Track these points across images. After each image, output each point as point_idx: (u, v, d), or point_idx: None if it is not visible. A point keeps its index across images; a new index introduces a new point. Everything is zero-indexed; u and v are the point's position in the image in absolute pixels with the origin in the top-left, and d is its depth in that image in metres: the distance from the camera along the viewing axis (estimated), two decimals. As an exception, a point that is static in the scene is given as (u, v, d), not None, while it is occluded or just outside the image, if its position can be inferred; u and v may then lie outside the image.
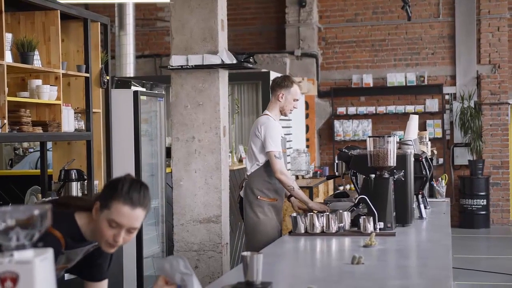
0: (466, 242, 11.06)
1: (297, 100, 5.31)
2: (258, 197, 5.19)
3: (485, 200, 12.25)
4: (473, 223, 12.22)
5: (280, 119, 9.01)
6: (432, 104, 12.65)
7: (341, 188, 11.41)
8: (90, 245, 2.80)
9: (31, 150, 8.31)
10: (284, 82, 5.28)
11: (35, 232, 1.77)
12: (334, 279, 3.07)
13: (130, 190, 2.58)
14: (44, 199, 5.24)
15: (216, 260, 5.72)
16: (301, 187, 8.93)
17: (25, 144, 8.54)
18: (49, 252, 1.77)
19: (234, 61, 5.71)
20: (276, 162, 5.08)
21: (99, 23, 5.86)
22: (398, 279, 3.12)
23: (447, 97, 12.74)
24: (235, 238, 7.55)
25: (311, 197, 8.74)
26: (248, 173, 5.28)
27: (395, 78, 12.77)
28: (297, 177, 10.13)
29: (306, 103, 12.39)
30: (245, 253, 2.72)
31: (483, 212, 12.27)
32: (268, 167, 5.15)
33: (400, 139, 5.36)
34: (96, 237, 2.69)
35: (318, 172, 10.89)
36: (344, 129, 12.93)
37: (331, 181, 11.24)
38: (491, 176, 12.53)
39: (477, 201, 12.22)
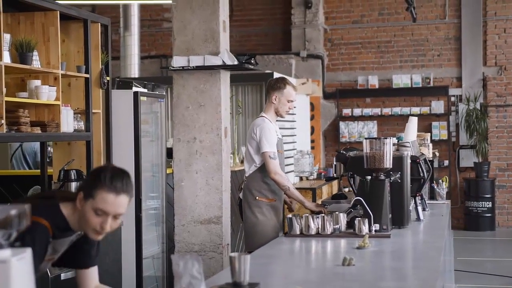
0: (470, 245, 11.03)
1: (292, 101, 5.35)
2: (257, 197, 5.25)
3: (490, 202, 12.21)
4: (478, 226, 12.18)
5: (284, 121, 9.05)
6: (438, 106, 12.61)
7: (346, 189, 11.39)
8: (75, 235, 2.85)
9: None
10: (277, 84, 5.34)
11: (13, 232, 1.78)
12: (323, 281, 3.08)
13: (113, 179, 2.67)
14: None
15: (217, 261, 5.73)
16: (305, 189, 8.99)
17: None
18: (27, 252, 1.79)
19: (235, 62, 5.71)
20: (270, 162, 5.13)
21: (99, 23, 5.88)
22: (387, 281, 3.12)
23: (452, 99, 12.71)
24: (236, 239, 7.56)
25: (313, 199, 8.74)
26: (246, 175, 5.34)
27: (401, 80, 12.75)
28: (301, 179, 10.13)
29: (312, 105, 12.39)
30: (232, 254, 2.74)
31: (489, 215, 12.23)
32: (265, 168, 5.19)
33: (398, 141, 5.35)
34: (82, 226, 2.75)
35: (323, 173, 10.88)
36: (350, 131, 12.92)
37: (335, 183, 11.22)
38: (497, 178, 12.49)
39: (482, 204, 12.18)
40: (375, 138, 4.46)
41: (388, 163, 4.39)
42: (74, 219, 2.77)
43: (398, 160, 4.54)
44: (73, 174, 5.44)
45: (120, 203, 2.67)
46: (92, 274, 3.01)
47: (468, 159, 12.55)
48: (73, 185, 5.42)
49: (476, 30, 12.57)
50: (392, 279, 3.16)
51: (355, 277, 3.11)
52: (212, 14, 5.74)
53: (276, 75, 10.11)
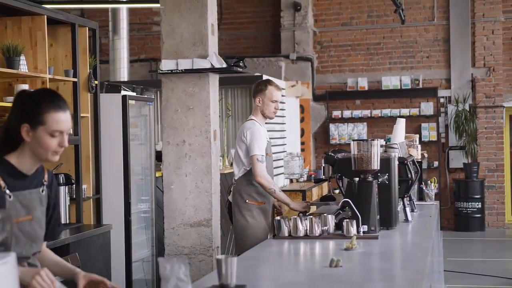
0: (461, 245, 11.07)
1: (276, 101, 5.37)
2: (247, 201, 5.28)
3: (480, 203, 12.26)
4: (468, 226, 12.23)
5: (273, 123, 9.05)
6: (427, 108, 12.66)
7: (337, 191, 11.41)
8: (39, 191, 2.85)
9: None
10: (258, 86, 5.42)
11: (-4, 236, 1.79)
12: (310, 282, 3.09)
13: (53, 99, 2.74)
14: None
15: (207, 264, 5.73)
16: (295, 191, 9.00)
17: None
18: (11, 256, 1.79)
19: (224, 65, 5.72)
20: (257, 166, 5.17)
21: (87, 28, 5.88)
22: (373, 281, 3.13)
23: (442, 100, 12.76)
24: (226, 242, 7.57)
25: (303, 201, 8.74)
26: (236, 178, 5.38)
27: (390, 82, 12.79)
28: (291, 181, 10.15)
29: (302, 107, 12.41)
30: (219, 257, 2.75)
31: (478, 215, 12.28)
32: None
33: (386, 142, 5.37)
34: (39, 155, 2.75)
35: (313, 175, 10.89)
36: (340, 133, 12.95)
37: (325, 185, 11.26)
38: (486, 179, 12.54)
39: (472, 204, 12.23)
40: (362, 140, 4.47)
41: (375, 165, 4.41)
42: (24, 162, 2.76)
43: (385, 162, 4.56)
44: (61, 178, 5.42)
45: (68, 119, 2.76)
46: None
47: (457, 160, 12.61)
48: (62, 189, 5.41)
49: (465, 31, 12.63)
50: (379, 280, 3.17)
51: (342, 279, 3.12)
52: (200, 18, 5.74)
53: (265, 78, 10.13)
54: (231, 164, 8.38)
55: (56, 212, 2.98)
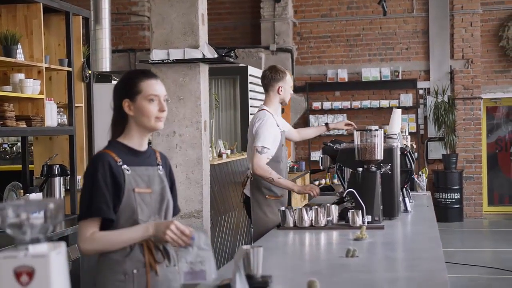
0: (440, 235, 11.16)
1: (291, 87, 5.29)
2: (267, 196, 5.11)
3: (458, 193, 12.39)
4: (447, 217, 12.35)
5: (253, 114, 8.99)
6: (407, 99, 12.75)
7: (316, 183, 11.47)
8: (155, 169, 2.92)
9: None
10: (278, 74, 5.20)
11: (50, 226, 1.75)
12: (331, 272, 3.08)
13: (143, 71, 2.93)
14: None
15: (198, 255, 5.70)
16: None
17: (12, 139, 8.44)
18: (63, 246, 1.75)
19: (215, 56, 5.68)
20: (255, 157, 4.99)
21: (80, 16, 5.79)
22: (394, 271, 3.14)
23: (421, 91, 12.86)
24: (216, 233, 7.54)
25: (289, 193, 8.72)
26: (252, 172, 5.12)
27: (370, 73, 12.84)
28: (274, 172, 10.14)
29: (282, 98, 12.39)
30: (245, 247, 2.72)
31: (457, 206, 12.41)
32: (272, 164, 5.07)
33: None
34: (143, 127, 2.87)
35: (295, 167, 10.93)
36: (320, 124, 12.96)
37: (307, 176, 11.30)
38: (464, 170, 12.68)
39: (450, 195, 12.36)
40: (366, 130, 4.47)
41: (379, 155, 4.41)
42: (131, 139, 2.89)
43: (388, 152, 4.57)
44: (56, 169, 5.35)
45: (161, 85, 2.91)
46: None
47: (436, 151, 12.72)
48: (57, 180, 5.34)
49: (444, 23, 12.73)
50: (399, 270, 3.18)
51: (363, 268, 3.12)
52: (190, 7, 5.71)
53: (251, 68, 10.11)
54: (219, 155, 8.35)
55: (175, 191, 3.04)
